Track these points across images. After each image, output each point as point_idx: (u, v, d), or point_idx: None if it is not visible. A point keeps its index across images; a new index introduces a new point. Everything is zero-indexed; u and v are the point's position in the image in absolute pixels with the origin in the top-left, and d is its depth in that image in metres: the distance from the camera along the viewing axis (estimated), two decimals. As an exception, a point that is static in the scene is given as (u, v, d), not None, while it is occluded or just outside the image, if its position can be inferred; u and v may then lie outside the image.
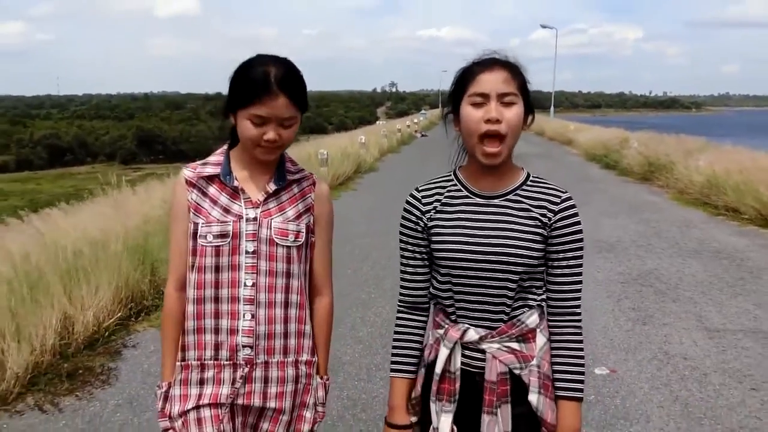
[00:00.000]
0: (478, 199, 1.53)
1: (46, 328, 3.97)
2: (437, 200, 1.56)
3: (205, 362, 1.62)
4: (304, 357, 1.68)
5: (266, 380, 1.63)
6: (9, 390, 3.56)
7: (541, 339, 1.52)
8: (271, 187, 1.63)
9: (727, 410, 3.35)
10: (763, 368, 3.88)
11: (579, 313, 1.55)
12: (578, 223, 1.52)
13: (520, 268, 1.47)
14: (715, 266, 6.36)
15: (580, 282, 1.54)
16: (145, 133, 62.54)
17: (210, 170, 1.64)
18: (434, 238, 1.53)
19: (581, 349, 1.53)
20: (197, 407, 1.61)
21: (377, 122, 49.60)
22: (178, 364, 1.65)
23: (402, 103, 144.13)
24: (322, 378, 1.74)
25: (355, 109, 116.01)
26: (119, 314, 4.63)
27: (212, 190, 1.63)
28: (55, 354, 4.00)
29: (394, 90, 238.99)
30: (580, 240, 1.52)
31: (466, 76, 1.50)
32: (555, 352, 1.54)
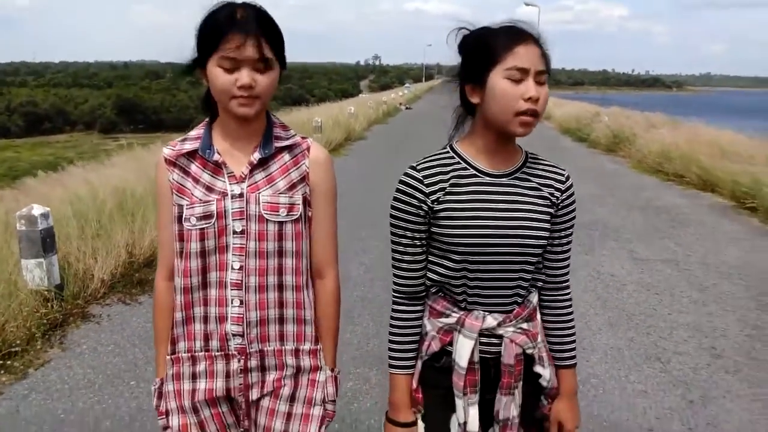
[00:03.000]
0: (487, 178, 1.43)
1: (119, 248, 5.09)
2: (442, 180, 1.43)
3: (196, 354, 1.49)
4: (307, 346, 1.52)
5: (263, 369, 1.50)
6: (97, 290, 4.69)
7: (539, 316, 1.53)
8: (255, 157, 1.45)
9: (633, 304, 4.62)
10: (669, 282, 5.15)
11: (569, 286, 1.57)
12: (575, 200, 1.52)
13: (538, 249, 1.44)
14: (654, 218, 7.63)
15: (570, 256, 1.55)
16: (125, 101, 61.39)
17: (189, 146, 1.47)
18: (444, 222, 1.42)
19: (573, 319, 1.57)
20: (195, 409, 1.50)
21: (360, 95, 50.32)
22: (168, 358, 1.52)
23: (385, 77, 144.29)
24: (332, 371, 1.57)
25: (337, 82, 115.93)
26: (169, 242, 5.75)
27: (194, 167, 1.46)
28: (125, 268, 5.13)
29: (377, 63, 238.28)
30: (575, 216, 1.53)
31: (496, 46, 1.35)
32: (552, 324, 1.55)
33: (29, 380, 3.43)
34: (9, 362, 3.55)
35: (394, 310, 1.53)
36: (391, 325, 1.53)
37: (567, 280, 1.56)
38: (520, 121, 1.35)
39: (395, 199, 1.46)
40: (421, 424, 1.54)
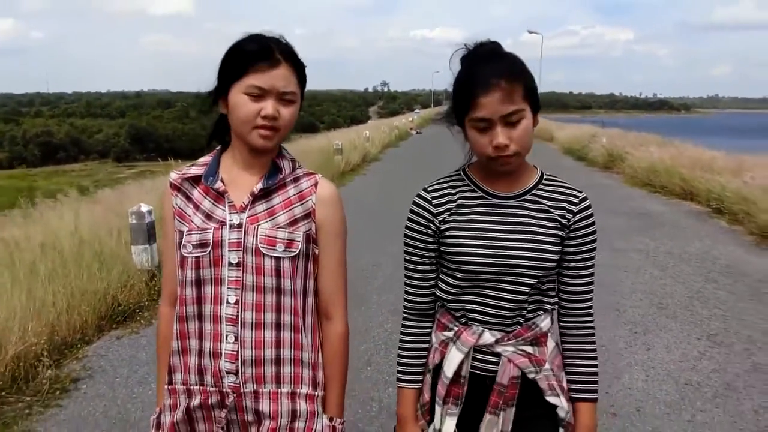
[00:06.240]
0: (494, 200, 1.44)
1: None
2: (450, 201, 1.46)
3: (191, 387, 1.45)
4: (304, 389, 1.46)
5: (257, 412, 1.43)
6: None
7: (551, 342, 1.48)
8: (258, 187, 1.41)
9: (603, 276, 5.85)
10: (636, 264, 6.43)
11: (592, 314, 1.50)
12: (594, 223, 1.47)
13: (540, 272, 1.41)
14: (636, 221, 8.89)
15: (593, 282, 1.49)
16: (138, 130, 61.43)
17: (194, 171, 1.46)
18: (449, 242, 1.44)
19: (595, 350, 1.50)
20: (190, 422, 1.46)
21: (368, 122, 52.02)
22: (165, 387, 1.49)
23: (393, 103, 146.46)
24: (331, 420, 1.49)
25: (346, 109, 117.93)
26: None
27: (196, 193, 1.45)
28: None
29: (385, 89, 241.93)
30: (595, 240, 1.48)
31: (463, 97, 1.36)
32: (570, 353, 1.50)
33: (154, 326, 4.72)
34: (139, 313, 4.87)
35: (403, 326, 1.56)
36: (400, 340, 1.56)
37: (588, 308, 1.50)
38: (499, 163, 1.37)
39: (408, 218, 1.51)
40: None
